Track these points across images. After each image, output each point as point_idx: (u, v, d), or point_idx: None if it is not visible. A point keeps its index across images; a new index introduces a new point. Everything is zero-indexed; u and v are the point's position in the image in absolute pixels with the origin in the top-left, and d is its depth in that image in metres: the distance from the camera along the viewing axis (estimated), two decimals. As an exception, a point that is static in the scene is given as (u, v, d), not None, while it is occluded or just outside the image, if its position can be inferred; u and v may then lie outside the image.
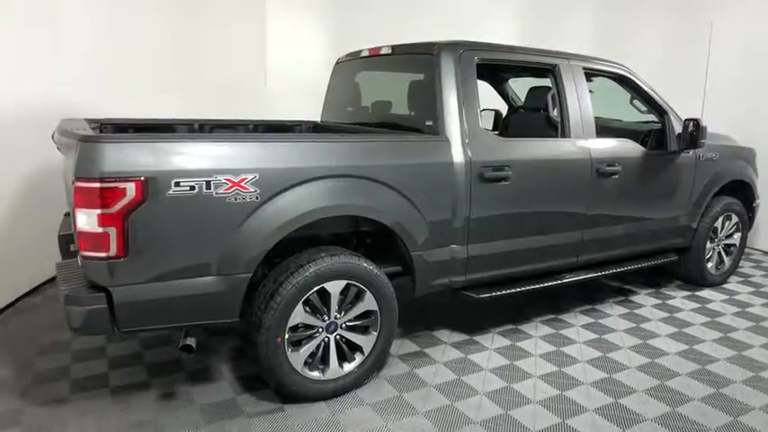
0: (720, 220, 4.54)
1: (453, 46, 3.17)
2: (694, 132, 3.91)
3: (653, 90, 4.04)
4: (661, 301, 4.37)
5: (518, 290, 3.41)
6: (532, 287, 3.49)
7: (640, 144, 3.94)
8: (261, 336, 2.61)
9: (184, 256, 2.39)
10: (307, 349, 2.76)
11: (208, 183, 2.36)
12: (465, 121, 3.09)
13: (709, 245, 4.55)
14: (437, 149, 2.99)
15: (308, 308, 2.73)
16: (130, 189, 2.23)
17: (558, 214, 3.50)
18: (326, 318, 2.78)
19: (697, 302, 4.36)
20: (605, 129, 4.47)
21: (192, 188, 2.34)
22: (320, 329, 2.79)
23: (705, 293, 4.59)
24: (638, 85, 3.98)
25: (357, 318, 2.88)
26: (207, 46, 4.92)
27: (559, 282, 3.62)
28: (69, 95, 4.05)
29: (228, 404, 2.76)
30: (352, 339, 2.89)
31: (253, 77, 5.13)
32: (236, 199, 2.43)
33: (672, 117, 4.02)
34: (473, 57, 3.20)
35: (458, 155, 3.04)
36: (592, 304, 4.23)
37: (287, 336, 2.66)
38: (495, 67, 4.13)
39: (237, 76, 5.03)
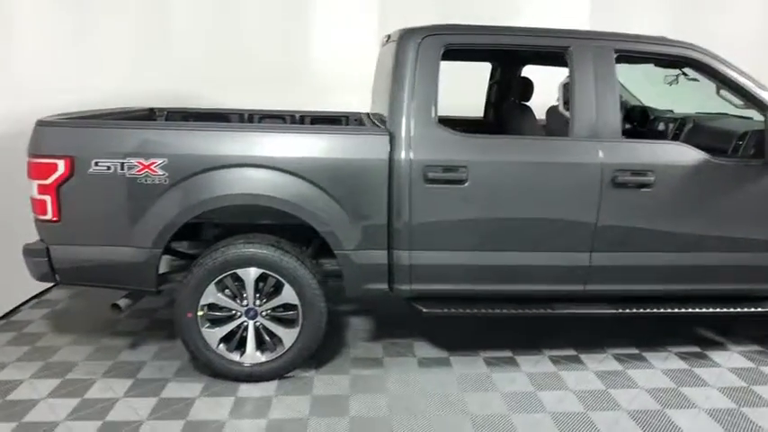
0: None
1: (414, 32, 2.87)
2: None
3: (745, 75, 2.96)
4: (753, 366, 3.19)
5: (476, 311, 2.93)
6: (501, 312, 2.95)
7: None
8: (175, 309, 2.84)
9: (105, 226, 2.75)
10: (222, 329, 2.88)
11: (122, 164, 2.67)
12: (411, 115, 2.79)
13: None
14: (370, 145, 2.76)
15: (227, 290, 2.85)
16: (60, 165, 2.66)
17: (544, 229, 2.87)
18: (245, 303, 2.86)
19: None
20: (698, 128, 3.48)
21: (109, 168, 2.67)
22: (239, 313, 2.88)
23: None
24: (716, 69, 2.96)
25: (279, 309, 2.89)
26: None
27: (545, 311, 2.97)
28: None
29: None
30: (273, 329, 2.90)
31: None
32: (146, 180, 2.68)
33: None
34: (438, 42, 2.83)
35: (397, 151, 2.76)
36: (638, 348, 3.34)
37: (200, 313, 2.83)
38: (492, 52, 3.63)
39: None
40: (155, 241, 2.75)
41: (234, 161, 2.71)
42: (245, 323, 2.89)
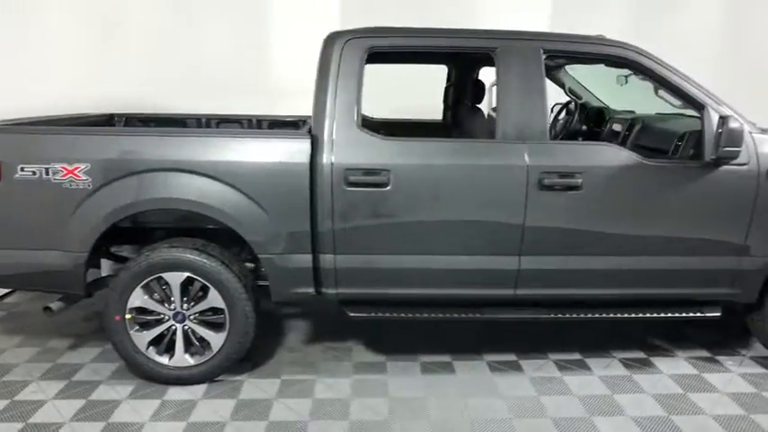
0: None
1: (338, 35, 2.87)
2: (719, 136, 2.68)
3: (680, 75, 2.89)
4: (696, 373, 3.11)
5: (403, 315, 2.90)
6: (429, 316, 2.92)
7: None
8: (105, 312, 2.87)
9: (33, 230, 2.79)
10: (150, 333, 2.90)
11: (47, 169, 2.71)
12: (334, 118, 2.78)
13: (807, 306, 3.04)
14: (291, 149, 2.76)
15: (155, 294, 2.87)
16: (-10, 170, 2.72)
17: (471, 232, 2.84)
18: (173, 306, 2.88)
19: (748, 387, 2.97)
20: (645, 129, 3.41)
21: (35, 173, 2.71)
22: (167, 317, 2.90)
23: (789, 376, 3.08)
24: (651, 69, 2.90)
25: (209, 313, 2.90)
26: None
27: (473, 316, 2.93)
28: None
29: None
30: (201, 333, 2.92)
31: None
32: (70, 185, 2.71)
33: (713, 113, 2.81)
34: (362, 45, 2.83)
35: (319, 155, 2.75)
36: (582, 354, 3.27)
37: (128, 316, 2.86)
38: (447, 54, 3.62)
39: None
40: (81, 245, 2.78)
41: (155, 165, 2.73)
42: (174, 327, 2.91)
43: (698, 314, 3.02)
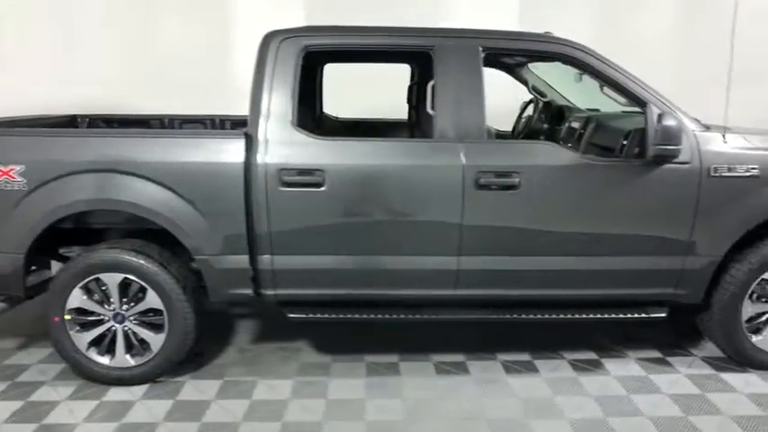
0: (783, 270, 2.94)
1: (274, 34, 2.86)
2: (654, 133, 2.64)
3: (622, 72, 2.85)
4: (643, 375, 3.07)
5: (342, 317, 2.89)
6: (369, 317, 2.91)
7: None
8: (48, 314, 2.87)
9: (-30, 232, 2.80)
10: (90, 333, 2.90)
11: (-18, 171, 2.72)
12: (269, 118, 2.77)
13: (749, 305, 2.98)
14: (225, 148, 2.74)
15: (94, 295, 2.87)
16: (-70, 172, 2.73)
17: (408, 232, 2.81)
18: (112, 307, 2.88)
19: (692, 387, 2.93)
20: (598, 127, 3.36)
21: (-30, 175, 2.72)
22: (107, 318, 2.90)
23: (737, 379, 3.03)
24: (592, 66, 2.86)
25: (150, 314, 2.89)
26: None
27: (412, 317, 2.91)
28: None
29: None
30: (141, 334, 2.91)
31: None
32: (6, 187, 2.72)
33: (654, 110, 2.77)
34: (297, 45, 2.82)
35: (254, 155, 2.74)
36: (532, 355, 3.24)
37: (67, 317, 2.86)
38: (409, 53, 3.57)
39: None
40: (18, 247, 2.78)
41: (90, 166, 2.72)
42: (114, 327, 2.91)
43: (642, 315, 2.98)
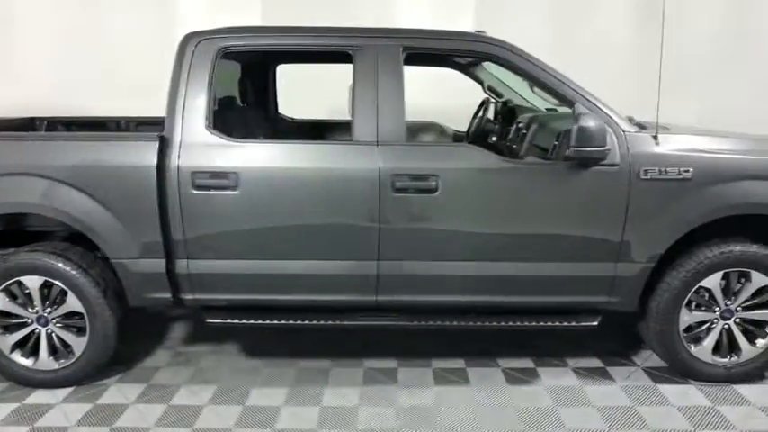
0: (717, 278, 2.80)
1: (191, 36, 2.82)
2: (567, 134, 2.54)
3: (549, 70, 2.75)
4: (577, 385, 2.96)
5: (260, 322, 2.85)
6: (288, 323, 2.86)
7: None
8: None
9: None
10: (14, 336, 2.91)
11: None
12: (184, 120, 2.74)
13: (687, 314, 2.85)
14: (138, 151, 2.72)
15: (18, 298, 2.88)
16: None
17: (325, 237, 2.76)
18: (35, 310, 2.88)
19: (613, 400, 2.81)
20: (540, 128, 3.26)
21: None
22: (30, 320, 2.90)
23: (674, 391, 2.90)
24: (517, 65, 2.77)
25: (69, 317, 2.89)
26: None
27: (333, 323, 2.86)
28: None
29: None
30: (63, 337, 2.91)
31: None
32: (-71, 191, 2.74)
33: (582, 110, 2.67)
34: (213, 46, 2.78)
35: (168, 158, 2.71)
36: (467, 362, 3.15)
37: (-10, 320, 2.87)
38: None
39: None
40: (-59, 249, 2.81)
41: (6, 170, 2.73)
42: (38, 330, 2.91)
43: (573, 324, 2.87)
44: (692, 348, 2.90)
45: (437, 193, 2.69)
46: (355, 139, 2.74)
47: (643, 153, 2.70)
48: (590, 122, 2.51)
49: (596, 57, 4.20)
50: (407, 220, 2.73)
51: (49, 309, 2.88)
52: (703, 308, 2.88)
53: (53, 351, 2.93)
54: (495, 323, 2.88)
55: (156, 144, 2.71)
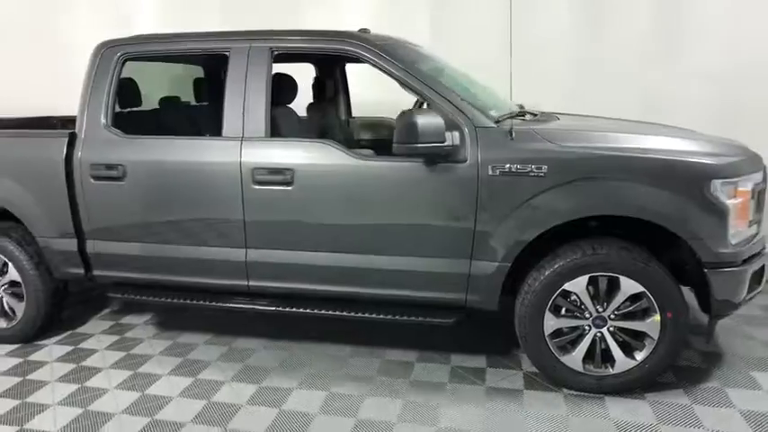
0: (582, 282, 2.63)
1: (102, 45, 3.19)
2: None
3: (410, 70, 2.77)
4: (445, 384, 2.92)
5: (153, 299, 3.21)
6: (173, 302, 3.18)
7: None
8: None
9: None
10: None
11: None
12: (88, 118, 3.13)
13: (551, 318, 2.71)
14: (50, 145, 3.16)
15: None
16: None
17: (198, 225, 3.01)
18: (-6, 277, 3.47)
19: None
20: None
21: None
22: (-11, 286, 3.49)
23: (540, 398, 2.76)
24: (376, 63, 2.81)
25: (13, 285, 3.43)
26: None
27: (206, 303, 3.11)
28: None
29: None
30: (9, 303, 3.46)
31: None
32: None
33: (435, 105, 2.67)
34: (114, 53, 3.14)
35: (75, 151, 3.12)
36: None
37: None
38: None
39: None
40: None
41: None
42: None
43: (428, 319, 2.86)
44: (562, 357, 2.75)
45: (292, 186, 2.83)
46: (224, 134, 2.95)
47: (494, 149, 2.63)
48: (415, 119, 2.50)
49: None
50: (267, 212, 2.90)
51: (-1, 279, 3.45)
52: (573, 313, 2.73)
53: (3, 314, 3.51)
54: (351, 314, 2.96)
55: (66, 140, 3.14)
